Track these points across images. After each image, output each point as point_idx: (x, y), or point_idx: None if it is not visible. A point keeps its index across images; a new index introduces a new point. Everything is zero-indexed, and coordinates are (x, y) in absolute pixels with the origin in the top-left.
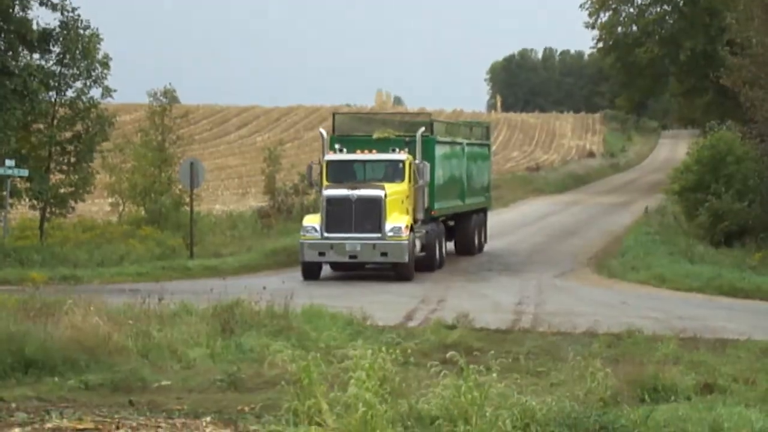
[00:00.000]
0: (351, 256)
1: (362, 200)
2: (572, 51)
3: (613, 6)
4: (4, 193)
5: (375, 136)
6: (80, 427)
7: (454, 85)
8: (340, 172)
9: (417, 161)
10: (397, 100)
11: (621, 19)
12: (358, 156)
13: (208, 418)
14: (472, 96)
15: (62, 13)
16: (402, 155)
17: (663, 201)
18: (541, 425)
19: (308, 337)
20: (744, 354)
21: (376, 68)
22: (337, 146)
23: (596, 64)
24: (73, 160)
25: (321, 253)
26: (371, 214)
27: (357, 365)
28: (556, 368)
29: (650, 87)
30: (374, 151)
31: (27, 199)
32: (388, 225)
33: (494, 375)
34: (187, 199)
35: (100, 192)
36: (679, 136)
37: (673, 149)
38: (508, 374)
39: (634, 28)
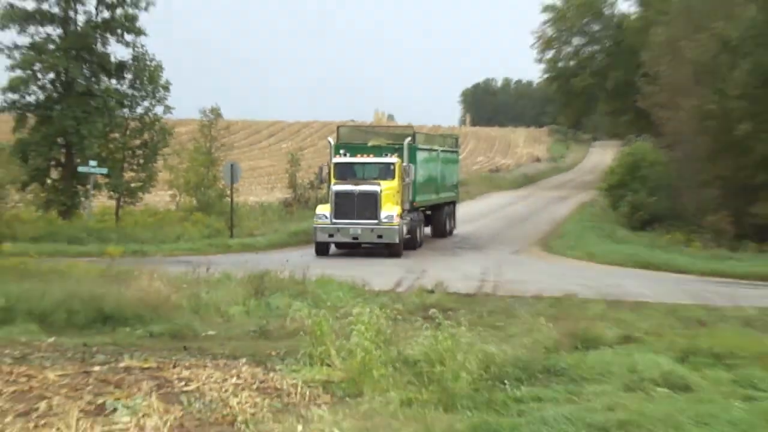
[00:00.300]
0: (354, 238)
1: (363, 194)
2: (524, 80)
3: (556, 46)
4: (89, 186)
5: (369, 143)
6: (146, 366)
7: (434, 106)
8: (345, 172)
9: (404, 164)
10: (390, 117)
11: (561, 56)
12: (358, 159)
13: (244, 360)
14: (448, 114)
15: (133, 49)
16: (393, 159)
17: (594, 196)
18: (499, 367)
19: (320, 298)
20: (654, 313)
21: (377, 91)
22: (341, 151)
23: (543, 90)
24: (141, 161)
25: (330, 235)
26: (370, 205)
27: (358, 320)
28: (511, 323)
29: (584, 108)
30: (371, 155)
31: (106, 191)
32: (383, 213)
33: (463, 328)
34: (228, 192)
35: (161, 186)
36: (606, 146)
37: (601, 156)
38: (474, 328)
39: (572, 63)
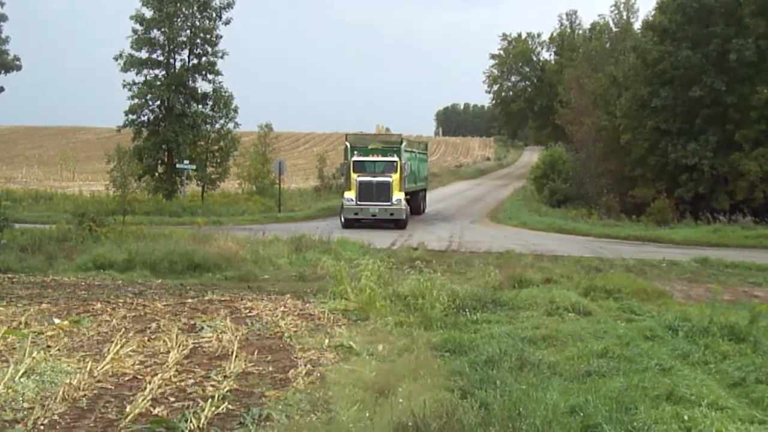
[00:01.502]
0: (372, 215)
1: (380, 183)
2: (479, 104)
3: (500, 82)
4: (183, 177)
5: (370, 146)
6: (222, 299)
7: (417, 121)
8: (361, 167)
9: (402, 162)
10: (388, 129)
11: (503, 88)
12: (371, 158)
13: (288, 295)
14: (426, 127)
15: (213, 84)
16: (395, 158)
17: (525, 184)
18: (462, 299)
19: (340, 253)
20: (567, 263)
21: (380, 111)
22: (355, 152)
23: (491, 111)
24: (218, 160)
25: (356, 213)
26: (385, 191)
27: (365, 268)
28: (470, 270)
29: (518, 124)
30: (378, 155)
31: (195, 181)
32: (394, 197)
33: (438, 273)
34: (277, 181)
35: (232, 177)
36: (534, 150)
37: (531, 156)
38: (445, 273)
39: (510, 93)
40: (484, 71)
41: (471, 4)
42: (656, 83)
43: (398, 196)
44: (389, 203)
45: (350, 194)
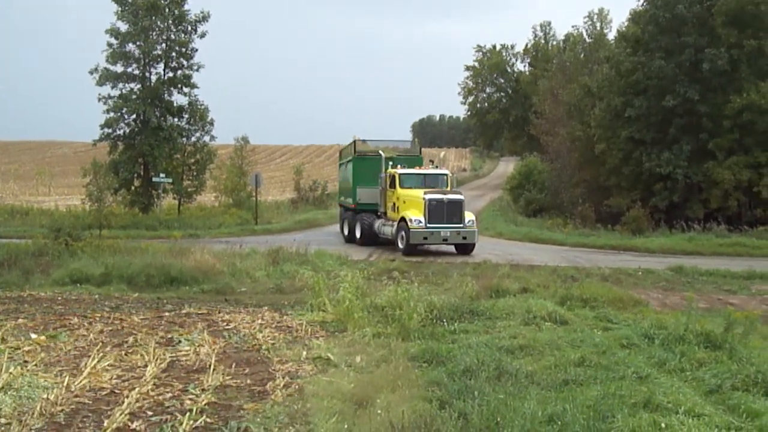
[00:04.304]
0: (444, 239)
1: (451, 202)
2: (454, 115)
3: (475, 93)
4: (159, 191)
5: (384, 155)
6: (200, 312)
7: (393, 132)
8: (406, 181)
9: (450, 175)
10: (364, 141)
11: (478, 100)
12: (417, 171)
13: (266, 307)
14: (402, 138)
15: (189, 97)
16: (445, 171)
17: (501, 194)
18: (439, 310)
19: (317, 265)
20: (542, 272)
21: (356, 122)
22: (390, 163)
23: (466, 123)
24: (194, 173)
25: (425, 237)
26: (457, 211)
27: (343, 279)
28: (447, 281)
29: (494, 135)
30: (425, 167)
31: (171, 194)
32: (467, 218)
33: (415, 284)
34: (254, 193)
35: (208, 190)
36: (509, 161)
37: (506, 167)
38: (422, 284)
39: (486, 104)
40: (459, 83)
41: (446, 16)
42: (630, 93)
43: (470, 216)
44: (461, 225)
45: (415, 214)
